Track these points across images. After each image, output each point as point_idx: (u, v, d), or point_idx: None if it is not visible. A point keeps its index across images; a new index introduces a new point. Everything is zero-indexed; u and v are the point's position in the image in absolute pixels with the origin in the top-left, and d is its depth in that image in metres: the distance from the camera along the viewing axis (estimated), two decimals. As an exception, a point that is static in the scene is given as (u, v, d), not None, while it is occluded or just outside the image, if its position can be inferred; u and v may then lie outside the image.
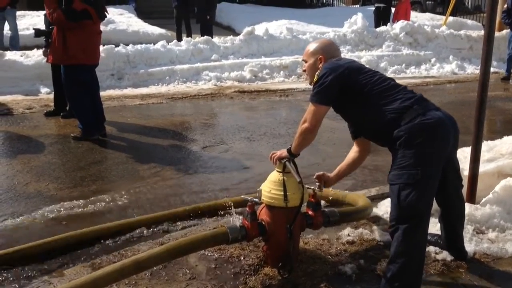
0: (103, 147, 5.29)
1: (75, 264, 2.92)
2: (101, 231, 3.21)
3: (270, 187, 2.69)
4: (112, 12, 12.89)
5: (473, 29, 13.22)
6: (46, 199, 3.92)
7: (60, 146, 5.31)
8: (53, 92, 6.71)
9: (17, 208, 3.73)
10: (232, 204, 3.37)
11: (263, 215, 2.76)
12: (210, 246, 2.80)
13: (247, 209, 2.73)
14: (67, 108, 6.22)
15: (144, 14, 15.84)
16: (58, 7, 5.14)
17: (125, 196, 3.96)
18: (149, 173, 4.50)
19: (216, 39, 10.33)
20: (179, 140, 5.57)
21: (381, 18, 13.22)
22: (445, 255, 2.90)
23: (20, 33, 10.83)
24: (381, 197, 3.76)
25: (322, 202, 3.32)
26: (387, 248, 2.87)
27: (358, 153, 2.97)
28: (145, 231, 3.29)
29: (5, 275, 2.79)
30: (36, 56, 8.34)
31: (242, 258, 2.88)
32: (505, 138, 3.91)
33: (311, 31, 12.23)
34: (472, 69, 10.61)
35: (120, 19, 14.02)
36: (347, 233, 3.19)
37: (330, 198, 3.54)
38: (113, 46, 8.85)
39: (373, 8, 13.93)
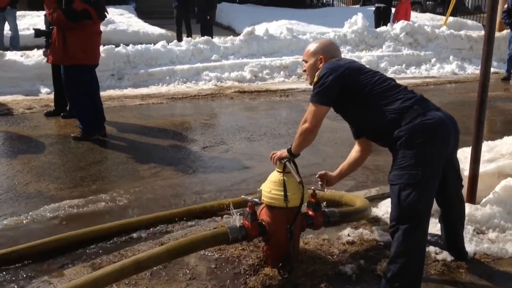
0: (103, 147, 5.29)
1: (75, 264, 2.92)
2: (101, 231, 3.21)
3: (270, 187, 2.69)
4: (112, 12, 12.89)
5: (474, 30, 13.22)
6: (46, 199, 3.92)
7: (60, 146, 5.31)
8: (53, 92, 6.71)
9: (17, 208, 3.74)
10: (232, 204, 3.36)
11: (263, 215, 2.76)
12: (210, 246, 2.80)
13: (248, 209, 2.73)
14: (67, 108, 6.22)
15: (144, 14, 15.84)
16: (58, 7, 5.14)
17: (125, 196, 3.96)
18: (149, 173, 4.50)
19: (216, 39, 10.33)
20: (179, 140, 5.57)
21: (381, 18, 13.21)
22: (445, 255, 2.90)
23: (20, 33, 10.83)
24: (381, 197, 3.76)
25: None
26: (387, 248, 2.87)
27: (360, 152, 2.98)
28: (145, 231, 3.29)
29: (5, 275, 2.80)
30: (36, 56, 8.34)
31: (242, 258, 2.88)
32: (506, 138, 3.91)
33: (311, 31, 12.23)
34: (472, 70, 10.61)
35: (120, 19, 14.01)
36: (347, 233, 3.18)
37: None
38: (113, 46, 8.85)
39: (373, 8, 13.93)
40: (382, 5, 13.30)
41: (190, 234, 3.14)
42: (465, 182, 3.13)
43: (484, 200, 3.40)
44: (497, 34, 9.26)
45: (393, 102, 2.50)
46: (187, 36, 11.65)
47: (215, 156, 5.03)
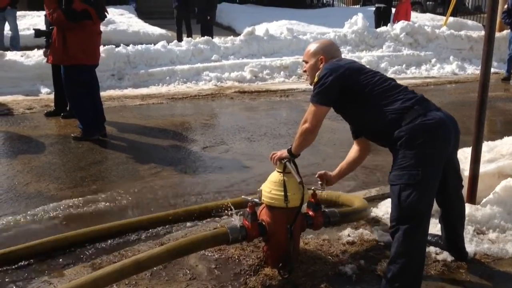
0: (103, 147, 5.29)
1: (75, 264, 2.91)
2: (101, 231, 3.21)
3: (270, 188, 2.69)
4: (113, 13, 12.90)
5: (474, 30, 13.23)
6: (46, 199, 3.92)
7: (60, 146, 5.31)
8: (53, 92, 6.71)
9: (18, 208, 3.73)
10: (232, 204, 3.36)
11: (263, 215, 2.76)
12: (211, 246, 2.80)
13: (248, 209, 2.73)
14: (68, 108, 6.22)
15: (144, 14, 15.84)
16: (58, 7, 5.14)
17: (125, 196, 3.96)
18: (149, 173, 4.50)
19: (216, 40, 10.32)
20: (179, 141, 5.57)
21: (382, 18, 13.21)
22: (445, 255, 2.90)
23: (20, 33, 10.82)
24: (382, 197, 3.75)
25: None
26: (387, 248, 2.87)
27: (359, 152, 2.98)
28: (145, 231, 3.29)
29: (5, 275, 2.79)
30: (36, 56, 8.34)
31: (242, 258, 2.88)
32: (506, 138, 3.91)
33: (312, 31, 12.23)
34: (473, 70, 10.61)
35: (121, 19, 14.01)
36: (348, 233, 3.18)
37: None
38: (114, 46, 8.85)
39: (374, 9, 13.92)
40: (382, 5, 13.30)
41: (190, 234, 3.14)
42: (465, 182, 3.13)
43: (484, 200, 3.40)
44: (497, 34, 9.27)
45: (393, 102, 2.50)
46: (187, 36, 11.65)
47: (215, 156, 5.03)
